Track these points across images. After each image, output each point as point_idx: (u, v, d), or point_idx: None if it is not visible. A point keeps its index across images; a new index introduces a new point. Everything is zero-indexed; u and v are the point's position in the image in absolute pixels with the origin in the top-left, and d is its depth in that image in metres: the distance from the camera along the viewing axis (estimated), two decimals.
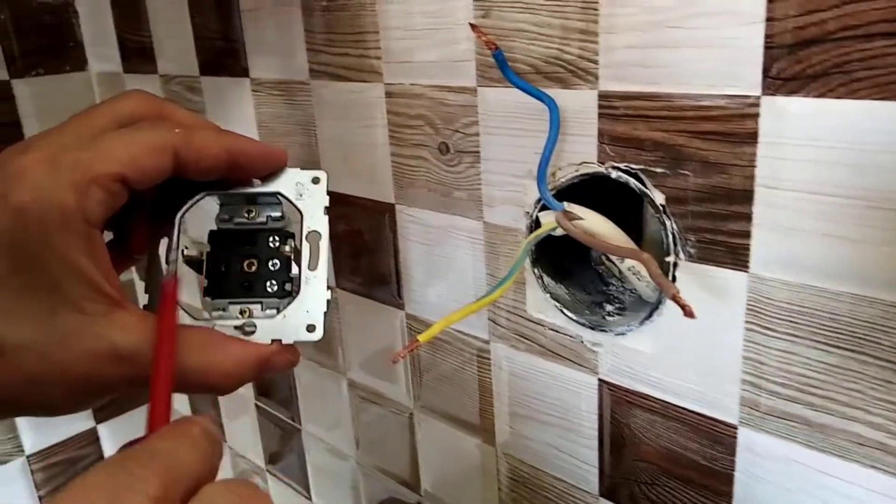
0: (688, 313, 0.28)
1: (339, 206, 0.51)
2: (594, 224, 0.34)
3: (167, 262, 0.30)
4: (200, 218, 0.31)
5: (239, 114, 0.57)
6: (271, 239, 0.30)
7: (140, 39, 0.65)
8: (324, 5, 0.46)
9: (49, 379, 0.25)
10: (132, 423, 0.86)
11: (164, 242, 0.30)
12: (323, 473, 0.67)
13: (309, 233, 0.30)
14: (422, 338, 0.34)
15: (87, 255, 0.25)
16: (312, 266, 0.30)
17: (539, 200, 0.38)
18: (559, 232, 0.35)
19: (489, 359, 0.45)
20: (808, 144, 0.28)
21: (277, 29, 0.50)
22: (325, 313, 0.29)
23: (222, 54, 0.56)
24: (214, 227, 0.31)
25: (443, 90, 0.41)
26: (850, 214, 0.28)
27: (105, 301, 0.25)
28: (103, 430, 0.84)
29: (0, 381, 0.25)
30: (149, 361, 0.25)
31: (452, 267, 0.45)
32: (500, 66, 0.34)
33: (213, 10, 0.56)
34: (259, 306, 0.30)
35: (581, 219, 0.34)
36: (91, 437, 0.83)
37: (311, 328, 0.29)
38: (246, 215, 0.31)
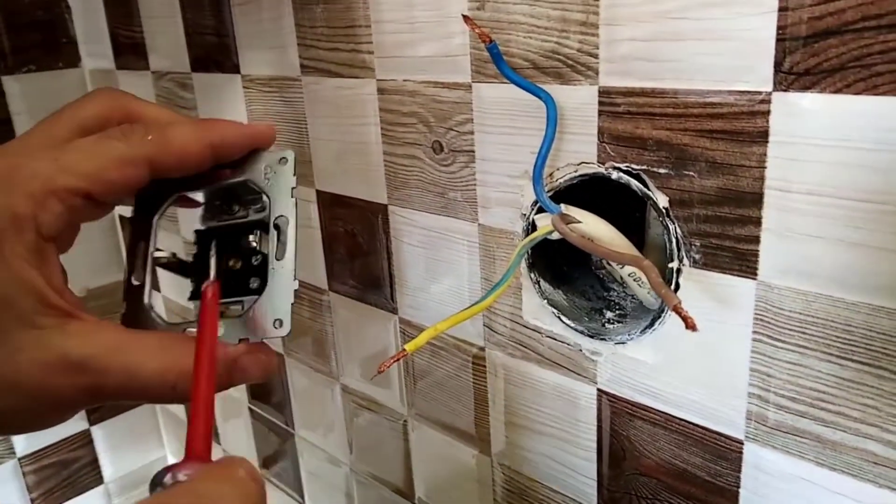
0: (690, 326, 0.26)
1: (332, 206, 0.49)
2: (593, 228, 0.33)
3: (143, 266, 0.28)
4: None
5: (230, 111, 0.55)
6: (253, 233, 0.29)
7: (132, 35, 0.64)
8: None
9: (1, 393, 0.24)
10: (126, 425, 0.84)
11: (140, 245, 0.29)
12: (317, 479, 0.65)
13: (277, 217, 0.28)
14: (409, 347, 0.33)
15: (37, 268, 0.24)
16: (279, 255, 0.28)
17: (535, 202, 0.36)
18: (556, 236, 0.33)
19: (484, 366, 0.43)
20: (823, 144, 0.26)
21: (268, 23, 0.48)
22: (293, 304, 0.27)
23: (214, 50, 0.55)
24: (200, 227, 0.29)
25: (437, 86, 0.39)
26: (869, 219, 0.26)
27: (55, 313, 0.24)
28: (97, 432, 0.82)
29: None
30: (102, 368, 0.24)
31: (447, 270, 0.43)
32: (495, 60, 0.33)
33: (204, 5, 0.54)
34: (241, 306, 0.28)
35: (579, 222, 0.32)
36: (84, 439, 0.82)
37: (277, 323, 0.27)
38: (230, 210, 0.29)
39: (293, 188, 0.28)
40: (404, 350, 0.32)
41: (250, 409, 0.70)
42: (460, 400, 0.46)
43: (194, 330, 0.27)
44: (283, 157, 0.28)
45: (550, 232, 0.32)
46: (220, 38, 0.53)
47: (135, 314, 0.28)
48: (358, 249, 0.49)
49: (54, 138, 0.26)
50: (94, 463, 0.83)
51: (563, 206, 0.33)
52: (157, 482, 0.22)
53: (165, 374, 0.25)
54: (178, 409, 0.83)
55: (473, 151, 0.38)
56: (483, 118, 0.37)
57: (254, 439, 0.71)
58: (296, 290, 0.27)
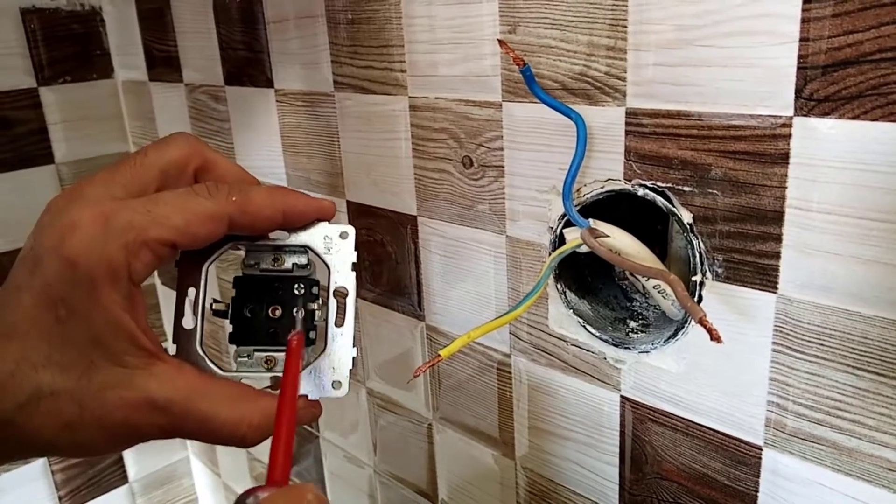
0: (715, 338, 0.28)
1: (362, 216, 0.51)
2: (620, 241, 0.34)
3: (194, 311, 0.30)
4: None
5: (263, 123, 0.57)
6: (297, 286, 0.30)
7: (166, 48, 0.66)
8: (349, 18, 0.46)
9: (85, 425, 0.26)
10: None
11: (191, 291, 0.30)
12: (340, 480, 0.67)
13: (336, 288, 0.30)
14: (444, 353, 0.34)
15: (128, 311, 0.26)
16: (339, 323, 0.30)
17: (563, 216, 0.38)
18: (584, 249, 0.34)
19: (510, 372, 0.45)
20: (841, 166, 0.28)
21: (302, 41, 0.50)
22: (351, 371, 0.29)
23: (247, 65, 0.57)
24: (240, 273, 0.31)
25: (468, 104, 0.41)
26: (884, 238, 0.28)
27: (143, 354, 0.26)
28: None
29: (37, 426, 0.25)
30: (182, 411, 0.26)
31: (474, 280, 0.45)
32: (528, 82, 0.34)
33: (238, 21, 0.56)
34: (283, 354, 0.30)
35: (607, 236, 0.34)
36: None
37: (336, 385, 0.29)
38: (272, 262, 0.31)
39: (354, 262, 0.30)
40: (439, 355, 0.34)
41: None
42: (485, 405, 0.47)
43: (252, 375, 0.29)
44: (345, 232, 0.30)
45: (580, 245, 0.34)
46: (254, 53, 0.55)
47: (186, 357, 0.29)
48: (387, 258, 0.50)
49: (143, 186, 0.27)
50: (119, 462, 0.85)
51: (591, 220, 0.34)
52: (239, 502, 0.23)
53: (238, 424, 0.27)
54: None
55: (503, 166, 0.40)
56: (513, 135, 0.39)
57: None
58: (353, 357, 0.29)
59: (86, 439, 0.26)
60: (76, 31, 0.72)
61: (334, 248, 0.30)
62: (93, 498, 0.83)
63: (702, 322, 0.28)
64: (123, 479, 0.86)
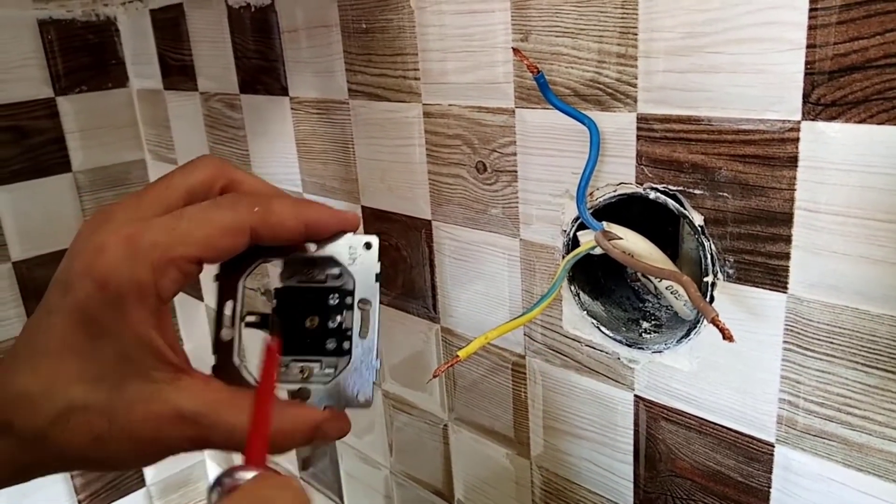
0: (727, 337, 0.29)
1: (377, 221, 0.52)
2: (633, 244, 0.35)
3: (231, 324, 0.31)
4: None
5: (278, 131, 0.58)
6: (331, 296, 0.31)
7: (181, 57, 0.67)
8: (363, 27, 0.47)
9: (114, 439, 0.26)
10: None
11: (228, 304, 0.31)
12: (356, 481, 0.68)
13: (360, 300, 0.31)
14: (462, 354, 0.35)
15: (156, 328, 0.26)
16: (363, 334, 0.30)
17: (576, 219, 0.38)
18: (598, 251, 0.35)
19: (524, 373, 0.46)
20: (849, 169, 0.29)
21: (317, 49, 0.51)
22: (374, 382, 0.30)
23: (262, 73, 0.58)
24: (279, 285, 0.32)
25: (481, 111, 0.42)
26: (891, 238, 0.28)
27: (171, 369, 0.27)
28: None
29: (68, 440, 0.26)
30: (211, 423, 0.27)
31: (488, 282, 0.46)
32: (542, 88, 0.35)
33: (253, 31, 0.57)
34: (319, 364, 0.31)
35: (620, 238, 0.35)
36: None
37: (361, 396, 0.30)
38: (307, 274, 0.32)
39: (377, 273, 0.31)
40: (458, 356, 0.35)
41: None
42: (500, 405, 0.48)
43: (281, 386, 0.30)
44: (369, 243, 0.31)
45: (594, 247, 0.35)
46: (269, 61, 0.56)
47: (225, 368, 0.30)
48: (401, 262, 0.51)
49: (169, 207, 0.28)
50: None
51: (604, 223, 0.35)
52: (218, 482, 0.24)
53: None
54: None
55: (516, 171, 0.41)
56: (526, 141, 0.40)
57: None
58: (377, 369, 0.30)
59: (115, 453, 0.27)
60: (92, 41, 0.73)
61: (358, 258, 0.31)
62: (111, 501, 0.84)
63: (714, 322, 0.29)
64: (141, 482, 0.87)
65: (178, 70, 0.68)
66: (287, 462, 0.76)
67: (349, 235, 0.31)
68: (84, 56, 0.73)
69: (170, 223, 0.27)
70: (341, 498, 0.70)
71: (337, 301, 0.31)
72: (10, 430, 0.26)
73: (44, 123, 0.71)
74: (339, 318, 0.31)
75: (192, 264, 0.27)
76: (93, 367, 0.26)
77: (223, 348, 0.30)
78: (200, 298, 0.79)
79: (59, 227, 0.74)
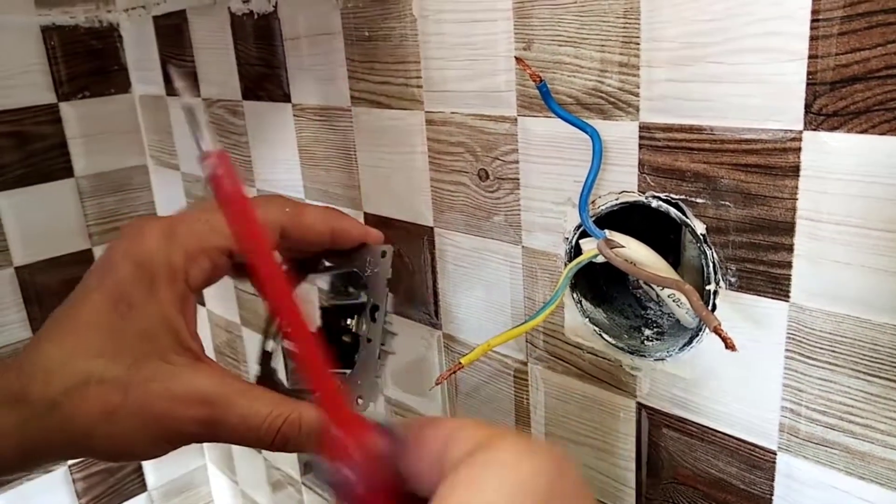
0: (729, 346, 0.29)
1: (379, 228, 0.52)
2: (635, 252, 0.35)
3: (274, 337, 0.32)
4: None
5: (280, 137, 0.58)
6: (363, 312, 0.32)
7: (183, 64, 0.67)
8: (366, 35, 0.47)
9: (126, 414, 0.27)
10: None
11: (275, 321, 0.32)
12: None
13: (372, 306, 0.31)
14: (465, 360, 0.36)
15: (181, 313, 0.28)
16: (373, 339, 0.31)
17: (578, 227, 0.39)
18: (600, 259, 0.35)
19: (526, 379, 0.46)
20: (850, 179, 0.29)
21: (319, 57, 0.52)
22: (377, 384, 0.31)
23: (264, 80, 0.58)
24: (324, 306, 0.33)
25: (483, 119, 0.42)
26: (892, 248, 0.28)
27: (189, 354, 0.28)
28: None
29: (79, 412, 0.27)
30: (225, 404, 0.27)
31: (490, 289, 0.46)
32: (544, 97, 0.35)
33: (255, 38, 0.57)
34: (349, 372, 0.32)
35: (622, 246, 0.35)
36: None
37: (359, 399, 0.30)
38: (346, 292, 0.33)
39: (388, 279, 0.31)
40: (460, 363, 0.35)
41: None
42: (502, 411, 0.48)
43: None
44: (384, 251, 0.32)
45: (596, 255, 0.35)
46: (272, 69, 0.57)
47: (266, 375, 0.31)
48: (403, 268, 0.52)
49: (211, 206, 0.29)
50: (139, 471, 0.86)
51: (607, 231, 0.35)
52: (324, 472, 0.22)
53: (276, 420, 0.29)
54: None
55: (518, 179, 0.41)
56: (528, 149, 0.40)
57: None
58: (378, 377, 0.30)
59: (124, 430, 0.27)
60: (95, 47, 0.74)
61: (373, 267, 0.31)
62: None
63: (716, 331, 0.29)
64: (143, 487, 0.87)
65: (180, 76, 0.69)
66: (289, 467, 0.76)
67: (369, 246, 0.32)
68: (87, 62, 0.73)
69: (205, 216, 0.29)
70: None
71: (356, 319, 0.32)
72: (24, 399, 0.27)
73: (46, 129, 0.72)
74: (355, 325, 0.31)
75: (222, 255, 0.29)
76: (115, 343, 0.27)
77: (266, 358, 0.31)
78: (203, 303, 0.80)
79: (61, 232, 0.75)
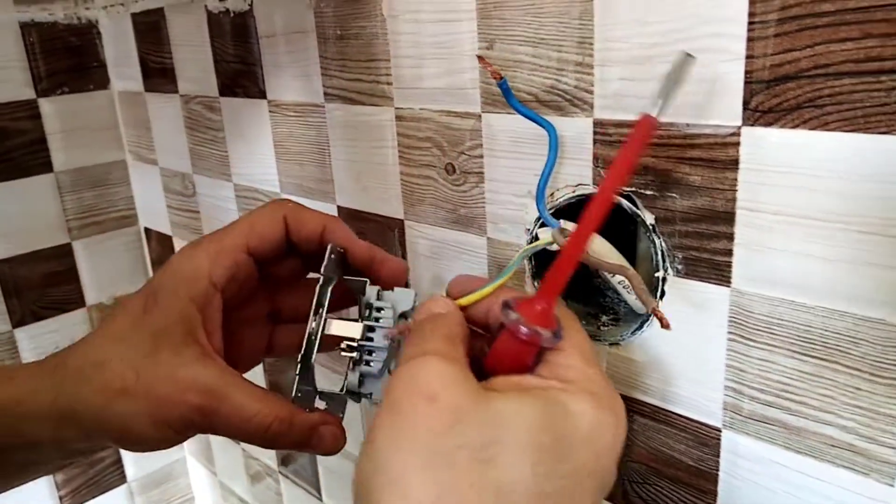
0: (664, 325, 0.31)
1: (351, 220, 0.54)
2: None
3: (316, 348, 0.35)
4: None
5: (256, 133, 0.60)
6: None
7: (161, 60, 0.69)
8: (338, 34, 0.49)
9: (136, 394, 0.30)
10: None
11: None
12: (334, 475, 0.70)
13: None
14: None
15: (201, 310, 0.32)
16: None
17: (538, 219, 0.40)
18: (555, 247, 0.37)
19: None
20: (785, 171, 0.31)
21: (294, 54, 0.53)
22: (353, 390, 0.35)
23: (241, 76, 0.59)
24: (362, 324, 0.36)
25: (450, 115, 0.44)
26: (824, 236, 0.31)
27: (199, 350, 0.31)
28: None
29: (100, 385, 0.31)
30: (221, 395, 0.31)
31: None
32: (505, 94, 0.37)
33: (232, 35, 0.59)
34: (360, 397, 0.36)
35: None
36: None
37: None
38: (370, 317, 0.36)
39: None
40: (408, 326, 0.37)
41: None
42: None
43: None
44: (332, 252, 0.37)
45: (550, 243, 0.37)
46: (248, 65, 0.58)
47: (306, 383, 0.35)
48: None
49: (234, 224, 0.36)
50: (118, 463, 0.87)
51: (561, 221, 0.37)
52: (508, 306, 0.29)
53: (266, 415, 0.31)
54: None
55: (483, 173, 0.43)
56: (492, 144, 0.42)
57: None
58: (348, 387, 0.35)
59: (134, 410, 0.30)
60: (73, 43, 0.75)
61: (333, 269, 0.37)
62: (92, 497, 0.85)
63: (654, 312, 0.31)
64: (122, 478, 0.88)
65: (158, 73, 0.70)
66: (267, 458, 0.78)
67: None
68: (66, 58, 0.74)
69: (226, 227, 0.35)
70: (319, 492, 0.72)
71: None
72: (63, 366, 0.32)
73: (25, 124, 0.72)
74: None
75: (241, 252, 0.34)
76: (138, 333, 0.32)
77: (306, 384, 0.34)
78: None
79: (40, 226, 0.75)
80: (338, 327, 0.34)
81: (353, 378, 0.34)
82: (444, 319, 0.29)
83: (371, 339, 0.34)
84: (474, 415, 0.24)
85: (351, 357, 0.34)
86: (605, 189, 0.28)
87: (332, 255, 0.36)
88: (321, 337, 0.34)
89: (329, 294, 0.35)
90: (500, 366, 0.28)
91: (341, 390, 0.34)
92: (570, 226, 0.37)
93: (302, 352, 0.34)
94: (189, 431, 0.32)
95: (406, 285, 0.37)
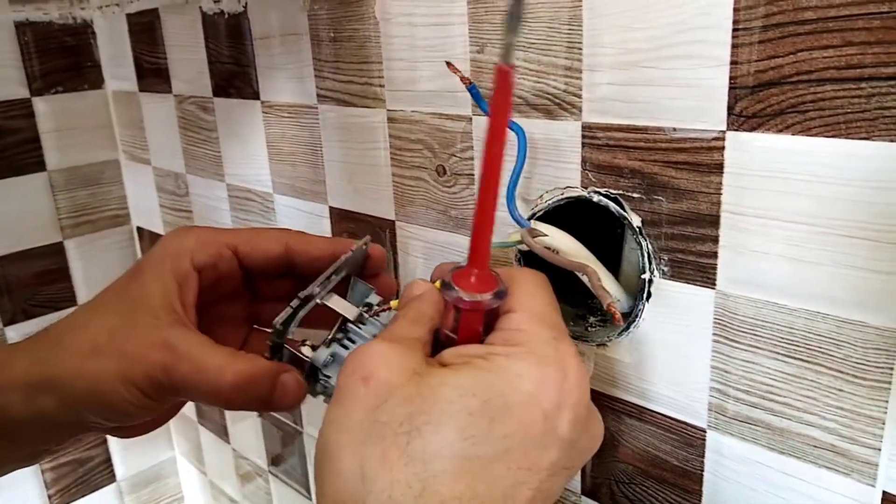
0: (616, 319, 0.33)
1: (343, 221, 0.54)
2: (559, 241, 0.38)
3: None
4: None
5: (249, 133, 0.60)
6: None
7: (155, 61, 0.69)
8: (331, 36, 0.49)
9: (109, 352, 0.31)
10: None
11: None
12: None
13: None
14: (393, 304, 0.38)
15: (179, 284, 0.34)
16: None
17: (530, 218, 0.41)
18: (523, 247, 0.38)
19: None
20: (769, 175, 0.32)
21: (287, 56, 0.54)
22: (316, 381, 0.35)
23: (234, 77, 0.60)
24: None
25: (441, 117, 0.44)
26: (808, 239, 0.31)
27: (174, 317, 0.33)
28: None
29: (73, 346, 0.32)
30: (182, 353, 0.31)
31: None
32: (475, 98, 0.38)
33: (226, 37, 0.59)
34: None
35: (545, 235, 0.37)
36: (99, 439, 0.86)
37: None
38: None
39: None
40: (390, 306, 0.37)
41: None
42: None
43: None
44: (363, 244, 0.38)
45: (518, 242, 0.38)
46: (241, 67, 0.58)
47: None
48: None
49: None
50: (108, 462, 0.87)
51: (532, 222, 0.38)
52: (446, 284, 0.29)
53: (224, 368, 0.31)
54: (188, 411, 0.87)
55: (473, 175, 0.43)
56: (482, 146, 0.42)
57: (263, 438, 0.76)
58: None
59: (103, 369, 0.31)
60: (68, 43, 0.75)
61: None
62: (82, 496, 0.85)
63: (608, 307, 0.33)
64: (111, 478, 0.88)
65: (152, 73, 0.70)
66: (258, 458, 0.78)
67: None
68: (60, 58, 0.74)
69: (231, 229, 0.38)
70: (309, 492, 0.72)
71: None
72: (43, 334, 0.34)
73: (19, 123, 0.73)
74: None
75: (228, 249, 0.36)
76: (118, 300, 0.34)
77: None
78: None
79: (33, 225, 0.75)
80: (337, 302, 0.35)
81: (324, 354, 0.34)
82: (414, 302, 0.30)
83: (359, 328, 0.35)
84: (404, 389, 0.25)
85: (334, 334, 0.34)
86: (489, 147, 0.26)
87: (361, 249, 0.37)
88: (313, 308, 0.34)
89: (339, 280, 0.36)
90: (460, 340, 0.29)
91: (309, 359, 0.34)
92: (541, 226, 0.38)
93: (285, 315, 0.34)
94: (157, 393, 0.32)
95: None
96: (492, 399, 0.25)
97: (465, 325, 0.29)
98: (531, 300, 0.29)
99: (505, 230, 0.43)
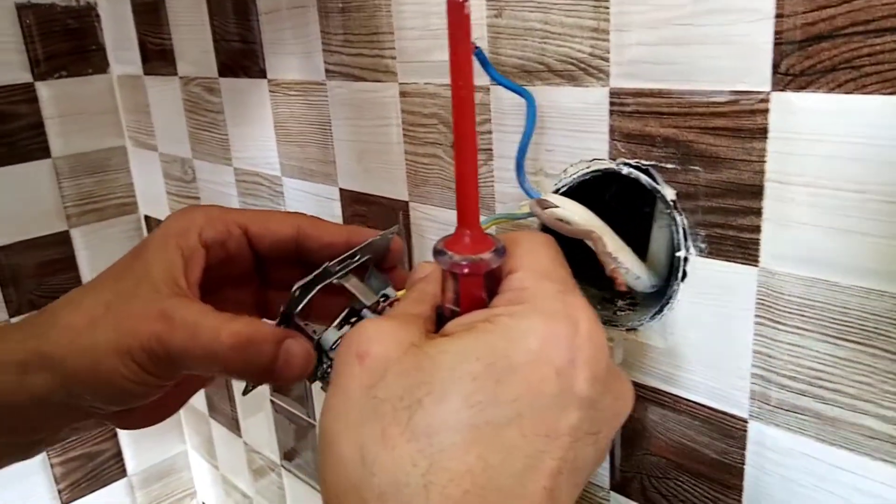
0: (619, 284, 0.32)
1: (354, 203, 0.52)
2: (571, 212, 0.35)
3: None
4: None
5: (256, 114, 0.58)
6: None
7: (160, 42, 0.67)
8: (340, 7, 0.47)
9: (105, 326, 0.30)
10: None
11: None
12: None
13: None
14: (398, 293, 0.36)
15: (184, 259, 0.32)
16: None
17: (553, 193, 0.38)
18: (535, 220, 0.36)
19: None
20: (818, 139, 0.29)
21: (294, 30, 0.51)
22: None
23: (241, 56, 0.57)
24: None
25: None
26: (861, 209, 0.28)
27: (175, 289, 0.31)
28: None
29: (63, 325, 0.30)
30: (179, 320, 0.29)
31: None
32: (482, 64, 0.35)
33: (231, 13, 0.57)
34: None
35: (556, 206, 0.35)
36: (109, 432, 0.84)
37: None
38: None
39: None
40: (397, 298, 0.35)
41: (272, 402, 0.72)
42: None
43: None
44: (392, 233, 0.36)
45: (528, 214, 0.36)
46: (247, 44, 0.56)
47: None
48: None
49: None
50: (119, 456, 0.86)
51: (542, 193, 0.35)
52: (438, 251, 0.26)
53: (219, 329, 0.29)
54: (199, 404, 0.85)
55: (492, 150, 0.41)
56: (500, 118, 0.40)
57: (275, 432, 0.74)
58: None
59: (99, 343, 0.30)
60: (71, 26, 0.73)
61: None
62: (92, 491, 0.84)
63: (611, 272, 0.32)
64: (122, 472, 0.86)
65: (157, 55, 0.68)
66: (270, 452, 0.76)
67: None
68: (64, 41, 0.72)
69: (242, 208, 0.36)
70: None
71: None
72: (41, 313, 0.32)
73: (22, 108, 0.71)
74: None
75: (237, 227, 0.34)
76: (120, 275, 0.32)
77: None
78: None
79: (38, 213, 0.74)
80: (356, 285, 0.33)
81: (334, 335, 0.32)
82: (419, 283, 0.28)
83: (374, 313, 0.32)
84: (401, 363, 0.23)
85: (345, 318, 0.32)
86: (455, 89, 0.24)
87: (387, 237, 0.35)
88: (323, 293, 0.32)
89: (357, 264, 0.34)
90: (463, 311, 0.26)
91: (317, 337, 0.32)
92: (552, 197, 0.35)
93: (307, 279, 0.31)
94: (156, 367, 0.30)
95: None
96: (496, 361, 0.23)
97: (466, 292, 0.26)
98: (532, 257, 0.27)
99: (518, 205, 0.40)
